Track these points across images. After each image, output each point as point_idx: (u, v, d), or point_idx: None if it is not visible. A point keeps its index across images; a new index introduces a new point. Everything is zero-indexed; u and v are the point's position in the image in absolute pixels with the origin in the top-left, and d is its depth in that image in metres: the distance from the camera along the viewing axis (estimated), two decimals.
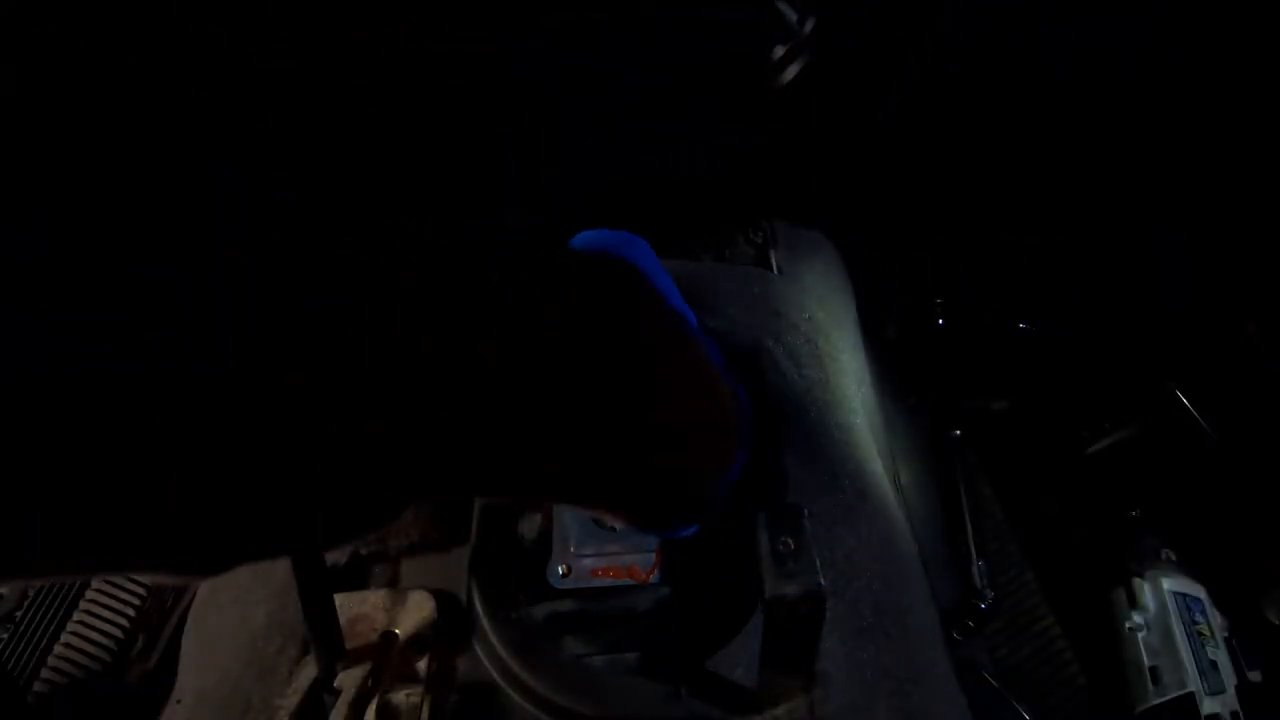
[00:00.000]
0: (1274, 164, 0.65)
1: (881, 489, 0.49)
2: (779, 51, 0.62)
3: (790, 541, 0.33)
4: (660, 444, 0.27)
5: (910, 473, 0.75)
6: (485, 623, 0.38)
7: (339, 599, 0.36)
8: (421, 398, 0.19)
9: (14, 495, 0.11)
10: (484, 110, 0.16)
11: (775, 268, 0.61)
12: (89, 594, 0.66)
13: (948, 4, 0.63)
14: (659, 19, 0.54)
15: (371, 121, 0.13)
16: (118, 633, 0.63)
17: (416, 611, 0.39)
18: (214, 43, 0.11)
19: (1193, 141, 0.68)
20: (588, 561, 0.40)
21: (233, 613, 0.43)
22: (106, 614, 0.65)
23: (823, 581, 0.32)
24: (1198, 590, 0.68)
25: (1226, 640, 0.65)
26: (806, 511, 0.34)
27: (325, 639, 0.34)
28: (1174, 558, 0.70)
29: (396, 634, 0.38)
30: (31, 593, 0.65)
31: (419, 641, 0.38)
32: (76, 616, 0.65)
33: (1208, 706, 0.60)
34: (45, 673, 0.61)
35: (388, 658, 0.37)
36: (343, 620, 0.35)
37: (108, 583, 0.66)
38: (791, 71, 0.62)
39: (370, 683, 0.35)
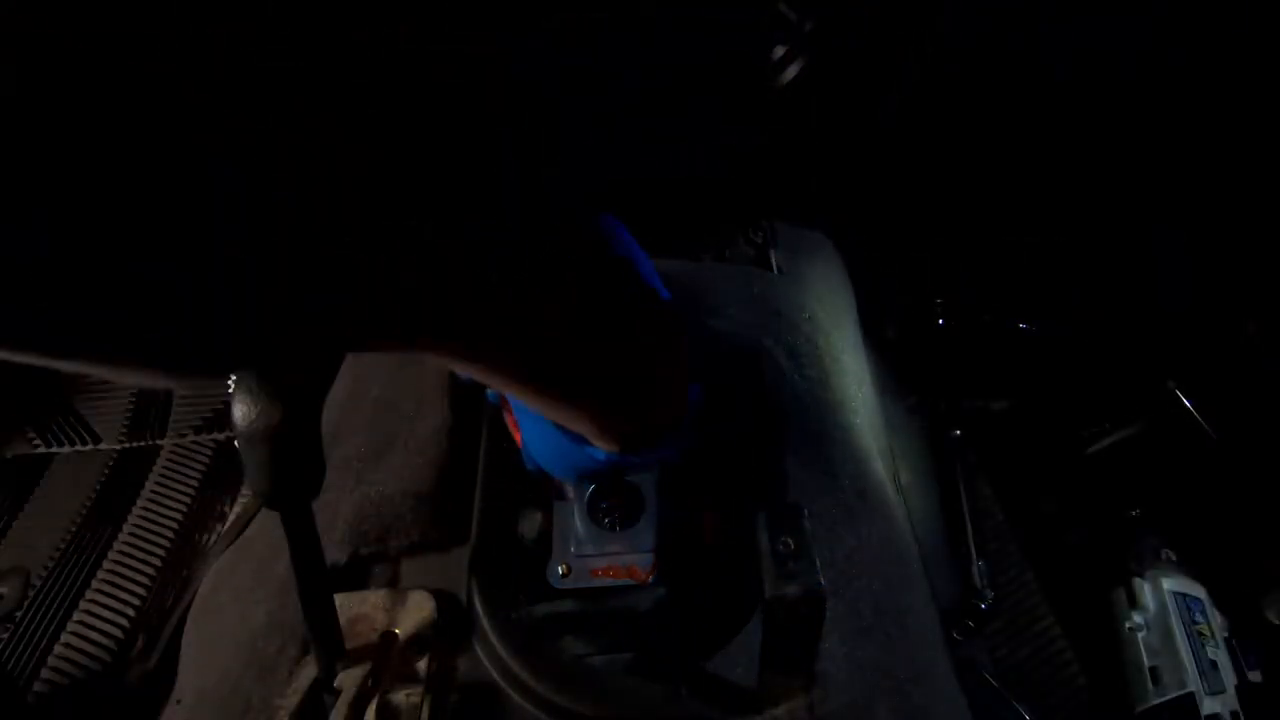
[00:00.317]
0: (1274, 164, 0.65)
1: (881, 489, 0.49)
2: (779, 51, 0.62)
3: (790, 541, 0.33)
4: (646, 411, 0.31)
5: (910, 473, 0.75)
6: (485, 623, 0.38)
7: (339, 599, 0.36)
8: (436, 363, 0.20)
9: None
10: (484, 110, 0.16)
11: (775, 268, 0.61)
12: (89, 594, 0.66)
13: (948, 4, 0.63)
14: (659, 19, 0.54)
15: (371, 121, 0.13)
16: (118, 633, 0.63)
17: (416, 611, 0.39)
18: (214, 43, 0.11)
19: (1193, 141, 0.68)
20: (588, 561, 0.40)
21: (233, 613, 0.43)
22: (106, 614, 0.65)
23: (823, 581, 0.32)
24: (1198, 590, 0.68)
25: (1226, 640, 0.65)
26: (806, 511, 0.34)
27: (325, 639, 0.34)
28: (1174, 558, 0.70)
29: (396, 634, 0.38)
30: (32, 593, 0.65)
31: (419, 641, 0.38)
32: (76, 616, 0.65)
33: (1208, 706, 0.60)
34: (45, 673, 0.61)
35: (388, 658, 0.37)
36: (343, 620, 0.35)
37: (108, 583, 0.66)
38: (791, 71, 0.62)
39: (370, 683, 0.35)
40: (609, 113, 0.58)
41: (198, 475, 0.84)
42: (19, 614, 0.65)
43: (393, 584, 0.42)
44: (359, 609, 0.39)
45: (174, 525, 0.78)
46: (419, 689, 0.36)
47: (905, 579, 0.44)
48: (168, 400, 0.91)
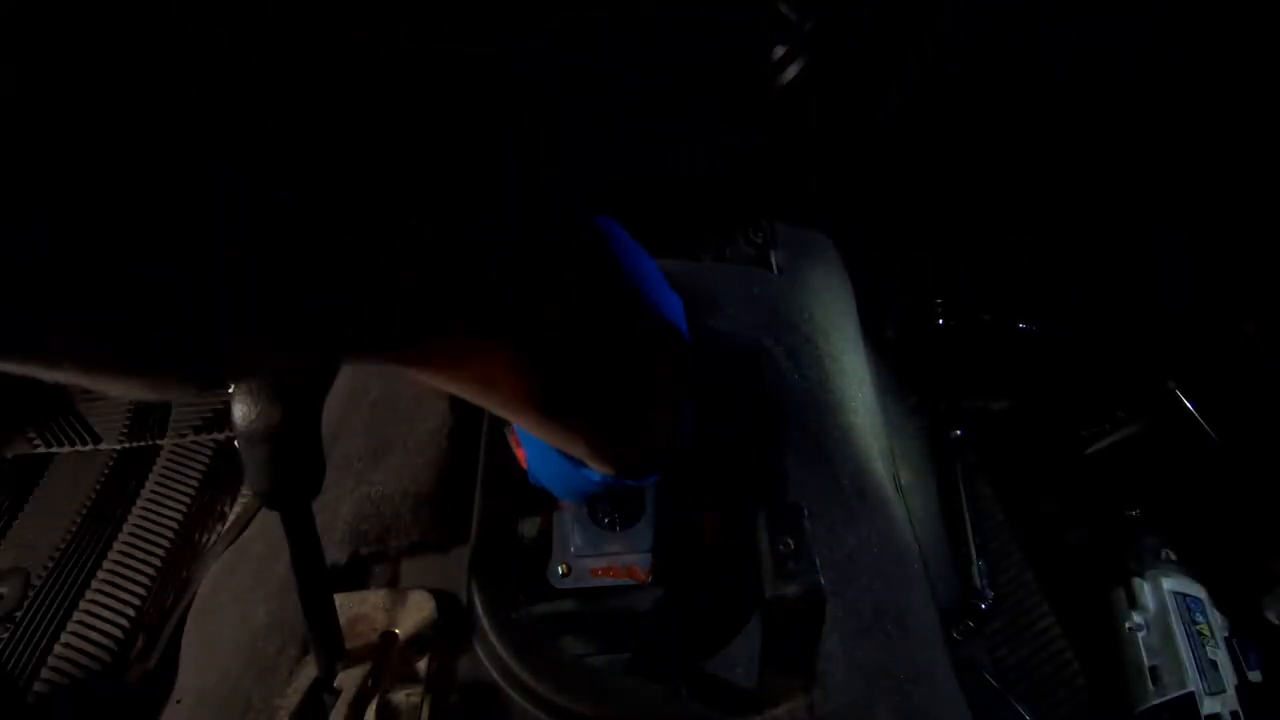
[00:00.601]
0: (1274, 164, 0.65)
1: (881, 489, 0.49)
2: (779, 51, 0.62)
3: (790, 541, 0.33)
4: (646, 422, 0.31)
5: (910, 473, 0.76)
6: (485, 623, 0.38)
7: (339, 599, 0.36)
8: (430, 381, 0.20)
9: None
10: (484, 110, 0.16)
11: (775, 268, 0.61)
12: (89, 594, 0.66)
13: (948, 4, 0.63)
14: (659, 19, 0.54)
15: (371, 121, 0.13)
16: (118, 633, 0.63)
17: (416, 611, 0.39)
18: (214, 43, 0.11)
19: (1193, 141, 0.68)
20: (588, 561, 0.40)
21: (233, 613, 0.43)
22: (106, 614, 0.65)
23: (823, 581, 0.32)
24: (1198, 590, 0.68)
25: (1226, 640, 0.65)
26: (806, 511, 0.34)
27: (325, 639, 0.34)
28: (1174, 558, 0.70)
29: (396, 634, 0.38)
30: (32, 593, 0.65)
31: (419, 641, 0.38)
32: (76, 616, 0.65)
33: (1208, 706, 0.60)
34: (45, 673, 0.61)
35: (388, 658, 0.37)
36: (343, 620, 0.35)
37: (108, 583, 0.66)
38: (791, 71, 0.62)
39: (370, 683, 0.35)
40: (609, 113, 0.58)
41: (198, 475, 0.84)
42: (19, 614, 0.65)
43: (393, 584, 0.42)
44: (359, 609, 0.39)
45: (174, 525, 0.78)
46: (419, 689, 0.36)
47: (905, 579, 0.44)
48: (167, 400, 0.91)
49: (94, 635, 0.63)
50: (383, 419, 0.48)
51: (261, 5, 0.11)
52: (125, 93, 0.10)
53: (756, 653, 0.37)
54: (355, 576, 0.42)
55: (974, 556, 0.71)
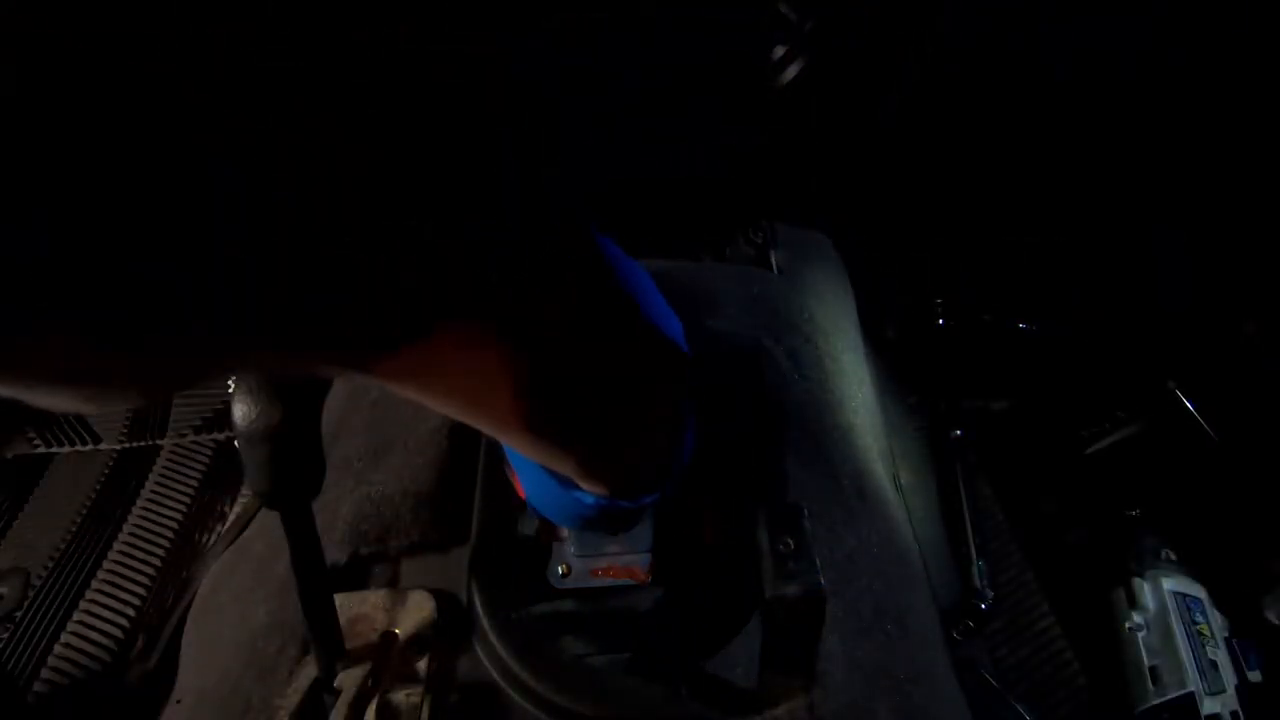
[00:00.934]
0: (1274, 164, 0.65)
1: (881, 489, 0.49)
2: (779, 51, 0.62)
3: (790, 541, 0.33)
4: (639, 436, 0.30)
5: (910, 473, 0.76)
6: (485, 623, 0.38)
7: (339, 599, 0.36)
8: (422, 394, 0.19)
9: None
10: (484, 110, 0.16)
11: (775, 268, 0.61)
12: (89, 594, 0.66)
13: (948, 4, 0.63)
14: (659, 19, 0.54)
15: (371, 121, 0.13)
16: (118, 633, 0.63)
17: (416, 611, 0.39)
18: (214, 43, 0.11)
19: (1193, 141, 0.68)
20: (587, 561, 0.40)
21: (233, 613, 0.43)
22: (106, 614, 0.65)
23: (823, 581, 0.32)
24: (1198, 590, 0.68)
25: (1226, 640, 0.65)
26: (806, 511, 0.34)
27: (325, 639, 0.34)
28: (1174, 558, 0.70)
29: (396, 634, 0.38)
30: (32, 593, 0.65)
31: (419, 641, 0.38)
32: (76, 616, 0.65)
33: (1208, 706, 0.60)
34: (45, 673, 0.61)
35: (388, 658, 0.37)
36: (343, 620, 0.35)
37: (108, 583, 0.66)
38: (791, 71, 0.62)
39: (370, 683, 0.35)
40: (609, 113, 0.58)
41: (198, 475, 0.84)
42: (19, 614, 0.65)
43: (393, 584, 0.42)
44: (359, 609, 0.39)
45: (174, 525, 0.78)
46: (419, 689, 0.36)
47: (905, 579, 0.44)
48: (168, 400, 0.91)
49: (94, 635, 0.63)
50: (383, 419, 0.48)
51: (261, 5, 0.11)
52: (125, 93, 0.10)
53: (756, 653, 0.37)
54: (355, 576, 0.42)
55: (974, 556, 0.71)
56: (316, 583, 0.32)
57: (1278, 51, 0.60)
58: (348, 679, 0.34)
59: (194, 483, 0.83)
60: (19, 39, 0.09)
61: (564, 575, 0.40)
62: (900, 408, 0.83)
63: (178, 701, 0.42)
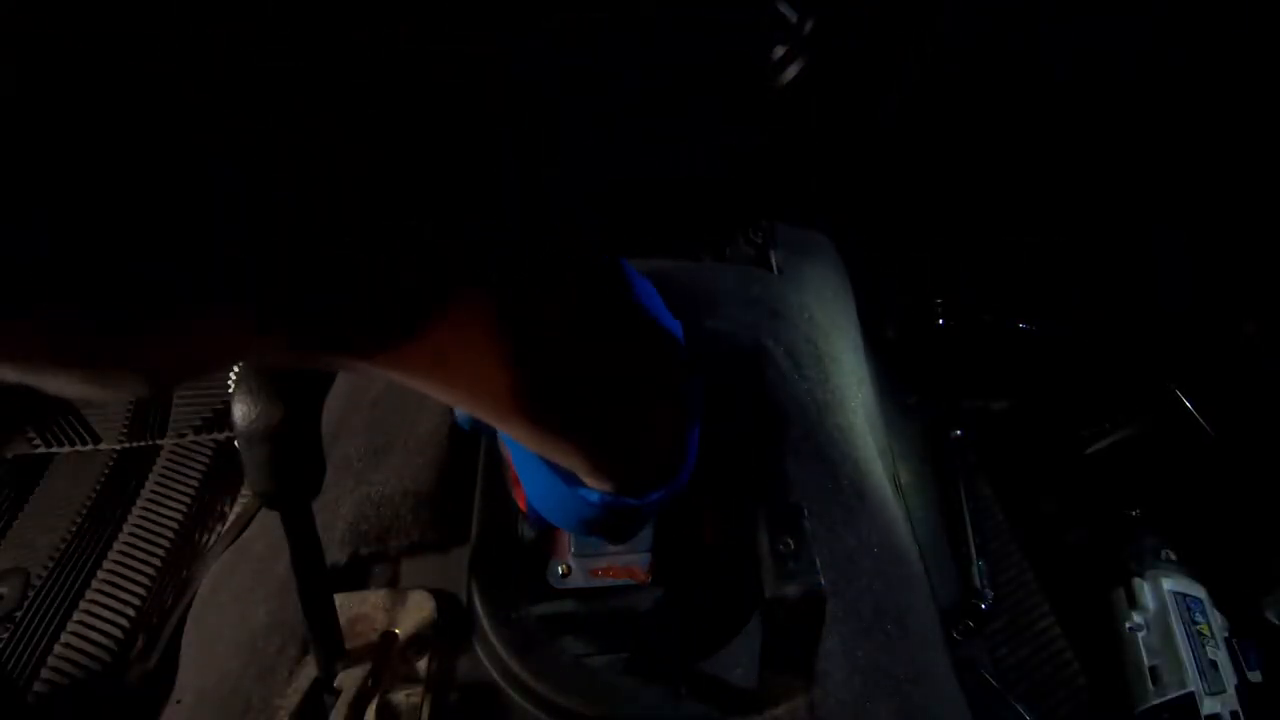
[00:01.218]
0: (1274, 164, 0.65)
1: (881, 489, 0.49)
2: (779, 51, 0.62)
3: (790, 541, 0.33)
4: (644, 428, 0.30)
5: (910, 473, 0.76)
6: (485, 623, 0.38)
7: (339, 599, 0.36)
8: (422, 384, 0.20)
9: None
10: (484, 110, 0.16)
11: (775, 268, 0.61)
12: (89, 594, 0.66)
13: (948, 4, 0.63)
14: (659, 19, 0.54)
15: (371, 121, 0.13)
16: (118, 633, 0.63)
17: (416, 611, 0.39)
18: (214, 43, 0.11)
19: (1193, 141, 0.68)
20: (587, 561, 0.40)
21: (233, 613, 0.43)
22: (106, 614, 0.65)
23: (823, 581, 0.32)
24: (1198, 590, 0.68)
25: (1226, 640, 0.65)
26: (806, 511, 0.34)
27: (325, 639, 0.34)
28: (1174, 558, 0.70)
29: (396, 634, 0.38)
30: (32, 593, 0.65)
31: (419, 641, 0.38)
32: (76, 616, 0.65)
33: (1208, 706, 0.60)
34: (45, 673, 0.61)
35: (388, 658, 0.37)
36: (343, 620, 0.35)
37: (108, 583, 0.66)
38: (791, 71, 0.62)
39: (370, 683, 0.35)
40: (609, 113, 0.58)
41: (198, 475, 0.84)
42: (19, 614, 0.65)
43: (393, 584, 0.42)
44: (359, 609, 0.39)
45: (174, 525, 0.78)
46: (419, 689, 0.36)
47: (905, 579, 0.44)
48: (168, 400, 0.91)
49: (94, 635, 0.63)
50: (383, 419, 0.48)
51: (261, 5, 0.11)
52: (125, 93, 0.10)
53: (756, 653, 0.37)
54: (355, 576, 0.42)
55: (974, 556, 0.71)
56: (316, 583, 0.32)
57: (1278, 51, 0.60)
58: (348, 679, 0.34)
59: (194, 483, 0.83)
60: (19, 39, 0.09)
61: (564, 575, 0.40)
62: (900, 408, 0.83)
63: (178, 701, 0.42)
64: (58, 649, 0.62)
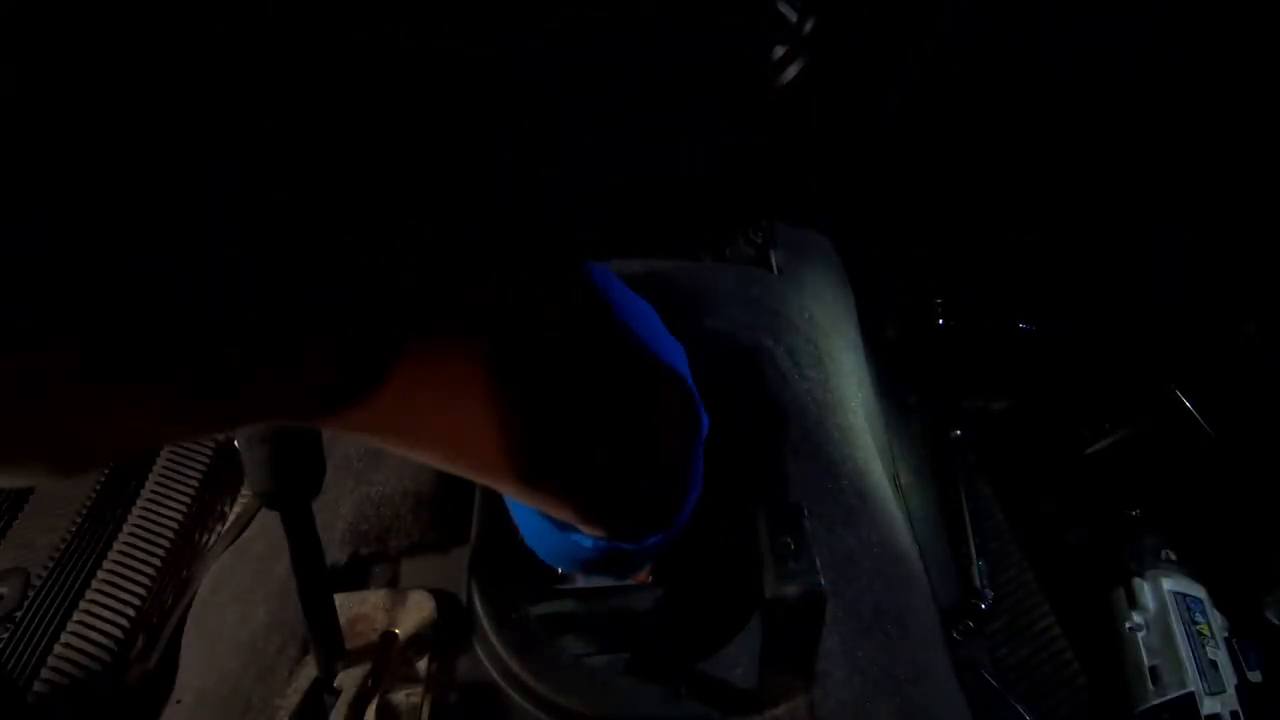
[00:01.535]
0: (1274, 164, 0.65)
1: (881, 489, 0.49)
2: (779, 51, 0.62)
3: (790, 541, 0.33)
4: (645, 447, 0.28)
5: (910, 473, 0.75)
6: (485, 623, 0.38)
7: (339, 599, 0.36)
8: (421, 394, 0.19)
9: None
10: (484, 110, 0.16)
11: (775, 268, 0.61)
12: (89, 594, 0.66)
13: (948, 4, 0.63)
14: (659, 19, 0.54)
15: (371, 121, 0.13)
16: (118, 633, 0.63)
17: (416, 611, 0.39)
18: (214, 43, 0.11)
19: (1193, 141, 0.68)
20: None
21: (233, 613, 0.43)
22: (106, 614, 0.65)
23: (823, 581, 0.32)
24: (1198, 590, 0.68)
25: (1226, 640, 0.65)
26: (806, 511, 0.34)
27: (325, 639, 0.34)
28: (1174, 558, 0.70)
29: (396, 634, 0.38)
30: (32, 593, 0.65)
31: (419, 641, 0.38)
32: (76, 616, 0.65)
33: (1208, 706, 0.60)
34: (45, 673, 0.61)
35: (388, 658, 0.37)
36: (343, 620, 0.35)
37: (108, 583, 0.66)
38: (791, 71, 0.62)
39: (370, 683, 0.35)
40: (609, 113, 0.58)
41: (198, 475, 0.84)
42: (19, 614, 0.65)
43: (393, 584, 0.42)
44: (359, 609, 0.39)
45: (174, 525, 0.78)
46: (419, 689, 0.36)
47: (905, 579, 0.44)
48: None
49: (94, 635, 0.63)
50: None
51: (261, 5, 0.11)
52: (125, 93, 0.10)
53: (756, 653, 0.37)
54: (355, 576, 0.42)
55: (974, 556, 0.71)
56: (316, 583, 0.32)
57: (1278, 51, 0.60)
58: (348, 679, 0.34)
59: (194, 483, 0.83)
60: (19, 39, 0.09)
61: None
62: (900, 408, 0.83)
63: (178, 701, 0.42)
64: (58, 649, 0.62)
